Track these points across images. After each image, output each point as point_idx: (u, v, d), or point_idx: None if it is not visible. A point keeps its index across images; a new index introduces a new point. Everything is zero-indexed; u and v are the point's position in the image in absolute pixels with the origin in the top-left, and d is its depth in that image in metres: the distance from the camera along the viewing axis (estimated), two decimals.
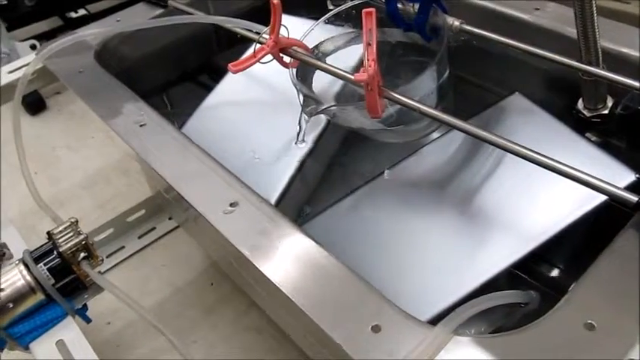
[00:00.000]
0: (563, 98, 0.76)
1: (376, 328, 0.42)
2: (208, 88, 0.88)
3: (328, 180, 0.82)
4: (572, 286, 0.44)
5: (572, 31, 0.69)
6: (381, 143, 0.81)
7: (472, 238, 0.63)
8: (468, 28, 0.70)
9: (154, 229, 1.08)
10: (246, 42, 0.83)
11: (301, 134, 0.67)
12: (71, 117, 1.42)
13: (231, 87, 0.85)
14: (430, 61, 0.70)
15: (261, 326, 0.90)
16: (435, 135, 0.75)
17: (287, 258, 0.48)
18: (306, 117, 0.65)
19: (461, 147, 0.71)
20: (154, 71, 0.91)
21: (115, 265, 1.03)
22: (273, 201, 0.70)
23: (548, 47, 0.66)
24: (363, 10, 0.59)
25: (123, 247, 1.05)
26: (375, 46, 0.58)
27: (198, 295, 0.97)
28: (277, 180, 0.71)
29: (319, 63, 0.63)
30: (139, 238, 1.07)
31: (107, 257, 1.03)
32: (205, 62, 1.00)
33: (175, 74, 0.97)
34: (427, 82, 0.65)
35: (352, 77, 0.59)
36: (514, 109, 0.74)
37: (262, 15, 0.70)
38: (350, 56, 0.79)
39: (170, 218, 1.08)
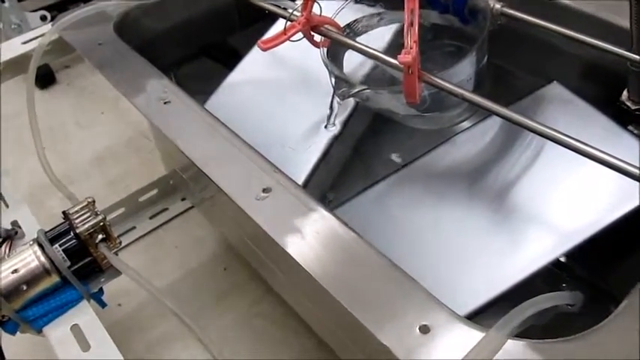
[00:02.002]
0: (603, 89, 0.72)
1: (424, 329, 0.39)
2: (229, 66, 0.85)
3: (352, 166, 0.79)
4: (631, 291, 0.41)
5: (617, 19, 0.67)
6: (409, 129, 0.78)
7: (508, 233, 0.60)
8: (510, 11, 0.66)
9: (166, 209, 1.05)
10: (267, 19, 0.80)
11: (332, 117, 0.64)
12: (81, 92, 1.39)
13: (254, 65, 0.82)
14: (469, 46, 0.67)
15: (276, 316, 0.88)
16: (467, 124, 0.72)
17: (325, 250, 0.45)
18: (339, 99, 0.62)
19: (496, 136, 0.68)
20: (175, 46, 0.88)
21: (126, 246, 1.00)
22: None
23: (589, 35, 0.64)
24: None
25: (134, 227, 1.03)
26: (417, 27, 0.55)
27: (211, 280, 0.95)
28: (303, 164, 0.68)
29: (356, 43, 0.60)
30: (151, 218, 1.04)
31: (118, 237, 1.00)
32: (226, 38, 0.96)
33: (196, 49, 0.93)
34: (467, 67, 0.62)
35: (392, 60, 0.56)
36: (552, 99, 0.71)
37: None
38: (379, 37, 0.76)
39: (183, 199, 1.05)
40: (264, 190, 0.49)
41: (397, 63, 0.56)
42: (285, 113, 0.74)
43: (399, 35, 0.76)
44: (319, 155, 0.68)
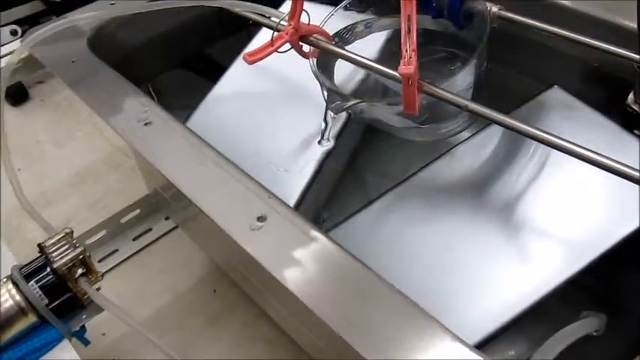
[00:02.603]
0: (605, 93, 0.70)
1: None
2: (211, 78, 0.80)
3: (345, 181, 0.75)
4: None
5: (621, 20, 0.64)
6: (404, 141, 0.74)
7: (518, 250, 0.57)
8: (507, 14, 0.63)
9: (149, 230, 1.00)
10: (249, 27, 0.76)
11: (327, 132, 0.60)
12: (56, 108, 1.33)
13: (237, 78, 0.77)
14: (464, 52, 0.64)
15: (271, 337, 0.83)
16: (465, 134, 0.68)
17: (327, 284, 0.41)
18: (332, 114, 0.58)
19: (498, 146, 0.65)
20: (154, 60, 0.83)
21: (109, 271, 0.95)
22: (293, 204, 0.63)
23: (591, 37, 0.61)
24: None
25: (116, 250, 0.98)
26: (415, 35, 0.51)
27: (201, 303, 0.90)
28: (295, 183, 0.64)
29: (349, 53, 0.56)
30: (134, 240, 0.99)
31: (99, 262, 0.95)
32: (207, 49, 0.92)
33: (176, 62, 0.89)
34: (467, 75, 0.58)
35: (389, 71, 0.52)
36: (554, 104, 0.68)
37: None
38: (371, 45, 0.72)
39: (167, 218, 1.00)
40: (259, 219, 0.45)
41: (395, 73, 0.53)
42: (274, 129, 0.69)
43: (391, 42, 0.73)
44: (312, 173, 0.64)
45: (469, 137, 0.66)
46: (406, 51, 0.51)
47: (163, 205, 0.92)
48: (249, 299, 0.86)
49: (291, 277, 0.41)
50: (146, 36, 0.80)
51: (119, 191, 1.07)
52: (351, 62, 0.57)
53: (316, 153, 0.64)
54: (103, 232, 0.97)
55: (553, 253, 0.56)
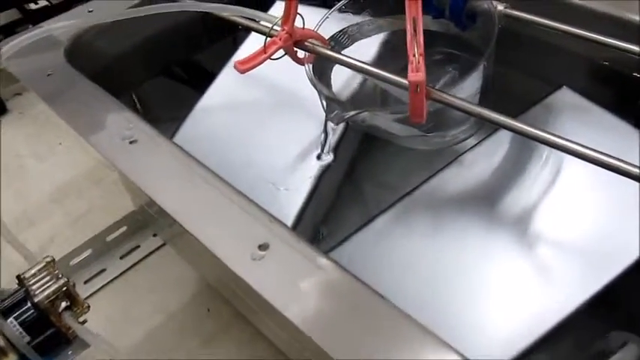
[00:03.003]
0: (617, 92, 0.66)
1: None
2: (199, 87, 0.76)
3: (344, 194, 0.71)
4: None
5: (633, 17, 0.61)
6: (403, 149, 0.70)
7: (536, 266, 0.53)
8: (514, 12, 0.59)
9: (137, 247, 0.95)
10: (237, 33, 0.71)
11: (327, 145, 0.56)
12: (35, 121, 1.28)
13: (227, 86, 0.73)
14: (467, 54, 0.60)
15: (268, 357, 0.79)
16: (472, 141, 0.64)
17: (336, 315, 0.37)
18: (333, 125, 0.54)
19: (508, 153, 0.61)
20: (136, 69, 0.79)
21: (96, 292, 0.90)
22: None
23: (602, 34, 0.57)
24: None
25: (103, 269, 0.93)
26: (422, 38, 0.47)
27: (194, 323, 0.85)
28: (292, 202, 0.60)
29: (348, 59, 0.52)
30: (121, 258, 0.94)
31: (85, 283, 0.91)
32: (192, 56, 0.87)
33: (160, 71, 0.84)
34: (476, 80, 0.54)
35: (396, 78, 0.48)
36: (564, 106, 0.64)
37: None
38: (367, 48, 0.68)
39: (155, 235, 0.95)
40: (260, 247, 0.40)
41: (401, 80, 0.49)
42: (268, 141, 0.65)
43: (389, 44, 0.69)
44: (311, 188, 0.60)
45: (477, 144, 0.62)
46: (414, 56, 0.46)
47: (151, 221, 0.87)
48: (243, 318, 0.82)
49: (299, 313, 0.37)
50: (127, 44, 0.76)
51: (104, 207, 1.02)
52: (352, 69, 0.52)
53: (314, 167, 0.60)
54: (88, 252, 0.92)
55: (574, 268, 0.52)
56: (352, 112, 0.53)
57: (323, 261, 0.39)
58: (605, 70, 0.66)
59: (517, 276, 0.53)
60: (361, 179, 0.72)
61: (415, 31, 0.48)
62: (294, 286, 0.38)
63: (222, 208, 0.43)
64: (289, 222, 0.58)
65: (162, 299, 0.89)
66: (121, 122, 0.53)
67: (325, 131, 0.56)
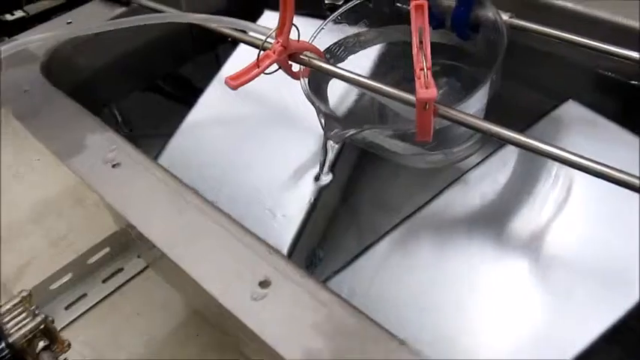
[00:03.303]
0: (625, 105, 0.63)
1: None
2: (185, 102, 0.72)
3: (340, 214, 0.67)
4: None
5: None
6: (401, 166, 0.67)
7: (552, 292, 0.49)
8: (522, 23, 0.56)
9: (121, 270, 0.91)
10: (225, 45, 0.68)
11: (327, 165, 0.52)
12: (14, 137, 1.22)
13: (214, 102, 0.69)
14: (469, 66, 0.57)
15: None
16: (475, 158, 0.61)
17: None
18: (333, 143, 0.50)
19: (515, 171, 0.58)
20: (118, 84, 0.74)
21: (77, 318, 0.85)
22: (284, 252, 0.55)
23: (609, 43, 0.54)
24: (413, 3, 0.45)
25: (85, 294, 0.88)
26: (429, 50, 0.44)
27: (182, 349, 0.81)
28: (287, 226, 0.56)
29: (351, 75, 0.48)
30: (104, 282, 0.89)
31: (66, 309, 0.86)
32: (179, 69, 0.83)
33: (144, 85, 0.80)
34: (484, 94, 0.51)
35: (403, 94, 0.45)
36: (571, 120, 0.61)
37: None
38: (364, 60, 0.64)
39: (139, 256, 0.91)
40: (261, 284, 0.36)
41: (405, 96, 0.45)
42: (261, 161, 0.61)
43: (387, 56, 0.65)
44: (307, 210, 0.56)
45: (481, 162, 0.59)
46: (421, 69, 0.43)
47: (134, 243, 0.83)
48: (233, 342, 0.78)
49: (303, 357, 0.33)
50: (109, 57, 0.71)
51: (85, 228, 0.97)
52: (352, 84, 0.49)
53: (312, 188, 0.56)
54: (68, 275, 0.88)
55: (593, 294, 0.48)
56: (353, 130, 0.49)
57: (330, 298, 0.35)
58: (612, 82, 0.63)
59: (531, 305, 0.49)
60: (358, 199, 0.68)
61: (421, 42, 0.44)
62: (301, 329, 0.34)
63: (217, 239, 0.39)
64: (285, 248, 0.54)
65: (149, 324, 0.84)
66: (103, 143, 0.49)
67: (325, 150, 0.52)
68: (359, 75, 0.48)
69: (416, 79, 0.43)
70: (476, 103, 0.50)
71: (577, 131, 0.60)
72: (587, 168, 0.41)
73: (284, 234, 0.55)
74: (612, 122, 0.60)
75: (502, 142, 0.59)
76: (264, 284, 0.36)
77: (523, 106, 0.67)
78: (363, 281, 0.53)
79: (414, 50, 0.44)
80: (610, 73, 0.63)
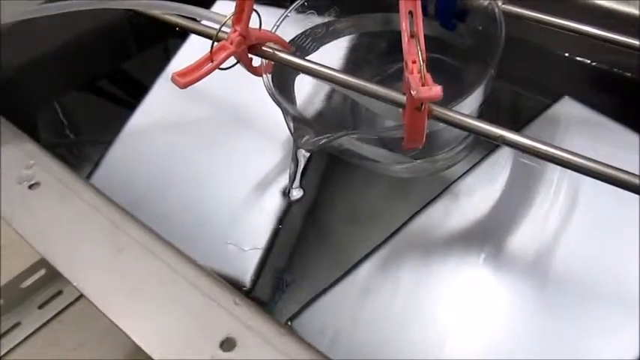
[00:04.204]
0: (624, 101, 0.57)
1: None
2: (127, 105, 0.63)
3: (309, 232, 0.59)
4: None
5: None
6: (375, 174, 0.59)
7: (564, 322, 0.42)
8: (516, 9, 0.49)
9: (59, 293, 0.80)
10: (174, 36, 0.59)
11: (297, 177, 0.44)
12: None
13: (160, 105, 0.60)
14: (454, 59, 0.50)
15: None
16: (463, 166, 0.53)
17: None
18: (304, 152, 0.42)
19: (512, 179, 0.50)
20: (47, 85, 0.64)
21: (10, 351, 0.75)
22: (248, 282, 0.46)
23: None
24: None
25: (18, 323, 0.77)
26: (423, 39, 0.36)
27: None
28: (251, 249, 0.47)
29: (328, 70, 0.40)
30: (40, 308, 0.79)
31: None
32: (119, 66, 0.73)
33: (78, 86, 0.70)
34: (481, 92, 0.43)
35: (392, 93, 0.37)
36: (567, 118, 0.54)
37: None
38: (332, 54, 0.56)
39: None
40: (223, 345, 0.27)
41: (398, 96, 0.37)
42: (218, 173, 0.52)
43: (358, 48, 0.57)
44: (273, 231, 0.48)
45: (470, 169, 0.52)
46: (413, 62, 0.35)
47: None
48: None
49: None
50: (34, 54, 0.61)
51: (15, 246, 0.86)
52: (328, 81, 0.40)
53: (279, 205, 0.48)
54: None
55: (612, 321, 0.41)
56: (328, 136, 0.41)
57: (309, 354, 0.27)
58: (610, 76, 0.57)
59: (539, 336, 0.42)
60: (328, 213, 0.60)
61: (411, 32, 0.36)
62: None
63: (166, 285, 0.30)
64: (248, 278, 0.46)
65: (92, 356, 0.75)
66: (19, 158, 0.39)
67: (295, 160, 0.44)
68: (336, 70, 0.40)
69: (407, 74, 0.35)
70: (472, 102, 0.42)
71: (575, 130, 0.53)
72: (592, 171, 0.34)
73: (246, 262, 0.46)
74: (611, 119, 0.54)
75: (492, 147, 0.52)
76: (227, 344, 0.27)
77: (512, 105, 0.60)
78: (340, 312, 0.45)
79: (405, 39, 0.36)
80: (608, 67, 0.57)
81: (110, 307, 0.30)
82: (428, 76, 0.34)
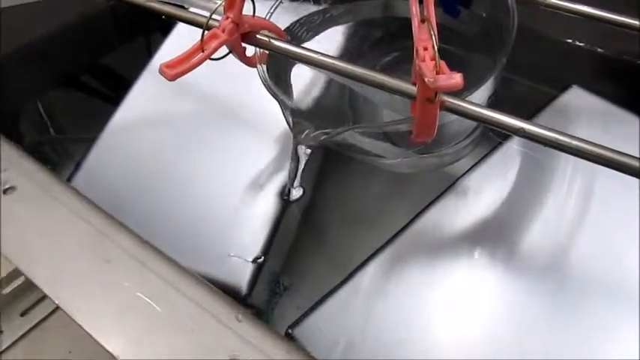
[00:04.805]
0: (625, 89, 0.55)
1: None
2: (110, 100, 0.59)
3: (305, 233, 0.56)
4: None
5: None
6: (375, 169, 0.56)
7: (582, 328, 0.40)
8: None
9: (43, 298, 0.76)
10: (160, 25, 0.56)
11: (298, 177, 0.41)
12: None
13: (146, 100, 0.56)
14: (464, 51, 0.47)
15: None
16: (467, 161, 0.51)
17: None
18: (305, 148, 0.39)
19: (521, 175, 0.48)
20: (23, 81, 0.60)
21: None
22: (244, 288, 0.43)
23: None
24: None
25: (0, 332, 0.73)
26: (435, 25, 0.33)
27: None
28: (247, 253, 0.44)
29: (332, 60, 0.37)
30: (23, 315, 0.75)
31: None
32: (101, 60, 0.70)
33: (57, 81, 0.66)
34: (491, 83, 0.40)
35: (403, 84, 0.34)
36: (577, 108, 0.52)
37: None
38: (327, 43, 0.53)
39: None
40: None
41: (403, 85, 0.34)
42: (210, 173, 0.49)
43: (354, 37, 0.54)
44: (269, 234, 0.45)
45: (476, 164, 0.49)
46: (425, 49, 0.32)
47: None
48: None
49: None
50: (12, 47, 0.57)
51: None
52: (330, 72, 0.37)
53: (277, 206, 0.45)
54: None
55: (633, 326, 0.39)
56: (330, 131, 0.38)
57: None
58: (620, 64, 0.55)
59: (556, 344, 0.39)
60: (325, 213, 0.57)
61: (422, 17, 0.34)
62: None
63: (158, 299, 0.27)
64: (244, 285, 0.43)
65: None
66: None
67: (296, 157, 0.41)
68: (337, 59, 0.37)
69: (419, 62, 0.32)
70: (483, 93, 0.40)
71: (584, 121, 0.51)
72: (605, 158, 0.32)
73: (242, 267, 0.43)
74: (621, 108, 0.52)
75: (497, 141, 0.49)
76: None
77: (518, 96, 0.58)
78: (341, 321, 0.42)
79: (415, 24, 0.33)
80: (617, 55, 0.54)
81: (97, 326, 0.26)
82: (443, 64, 0.31)
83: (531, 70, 0.58)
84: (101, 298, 0.27)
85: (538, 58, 0.57)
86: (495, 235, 0.45)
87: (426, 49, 0.32)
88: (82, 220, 0.31)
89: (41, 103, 0.65)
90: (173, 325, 0.26)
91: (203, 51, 0.38)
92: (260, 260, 0.43)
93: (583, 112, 0.51)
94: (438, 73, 0.30)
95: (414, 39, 0.33)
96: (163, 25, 0.60)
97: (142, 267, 0.28)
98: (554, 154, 0.46)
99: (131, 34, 0.68)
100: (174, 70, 0.37)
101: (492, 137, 0.49)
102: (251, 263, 0.43)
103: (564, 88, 0.53)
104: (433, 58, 0.31)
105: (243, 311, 0.27)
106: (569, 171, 0.46)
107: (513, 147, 0.49)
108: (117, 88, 0.62)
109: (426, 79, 0.30)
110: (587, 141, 0.32)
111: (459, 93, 0.35)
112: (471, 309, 0.42)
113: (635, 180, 0.32)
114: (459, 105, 0.34)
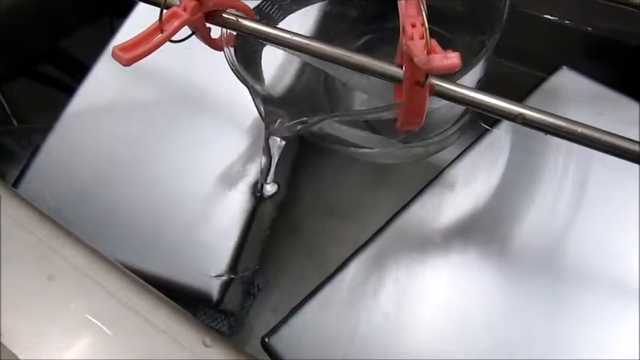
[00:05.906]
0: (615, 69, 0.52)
1: None
2: (66, 89, 0.54)
3: (281, 228, 0.52)
4: None
5: None
6: (353, 161, 0.52)
7: (581, 324, 0.37)
8: None
9: None
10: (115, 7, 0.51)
11: (272, 171, 0.37)
12: None
13: (104, 87, 0.51)
14: (454, 32, 0.44)
15: None
16: (453, 149, 0.47)
17: None
18: (278, 139, 0.35)
19: (512, 163, 0.44)
20: None
21: None
22: (215, 294, 0.39)
23: None
24: None
25: None
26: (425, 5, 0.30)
27: None
28: (216, 256, 0.40)
29: (307, 41, 0.33)
30: None
31: None
32: (59, 44, 0.65)
33: (10, 69, 0.61)
34: (481, 66, 0.37)
35: (389, 67, 0.30)
36: (566, 91, 0.48)
37: None
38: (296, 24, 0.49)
39: None
40: None
41: (388, 67, 0.31)
42: (173, 166, 0.45)
43: (325, 19, 0.50)
44: (241, 232, 0.41)
45: (462, 153, 0.45)
46: (413, 26, 0.28)
47: None
48: None
49: None
50: None
51: None
52: (306, 54, 0.33)
53: (248, 203, 0.41)
54: None
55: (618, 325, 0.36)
56: (305, 120, 0.34)
57: None
58: (608, 43, 0.52)
59: (553, 340, 0.36)
60: (299, 206, 0.53)
61: None
62: None
63: (111, 322, 0.23)
64: (215, 286, 0.39)
65: None
66: None
67: (268, 150, 0.37)
68: (313, 39, 0.33)
69: (406, 41, 0.28)
70: (473, 76, 0.36)
71: (575, 103, 0.48)
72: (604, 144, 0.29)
73: (212, 268, 0.39)
74: (612, 90, 0.49)
75: (484, 129, 0.46)
76: None
77: (505, 79, 0.54)
78: (324, 322, 0.38)
79: (401, 3, 0.29)
80: (606, 34, 0.51)
81: (40, 356, 0.22)
82: (434, 43, 0.27)
83: (519, 52, 0.55)
84: (43, 323, 0.23)
85: (525, 38, 0.54)
86: (486, 229, 0.42)
87: (414, 25, 0.28)
88: (21, 227, 0.27)
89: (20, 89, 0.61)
90: (128, 352, 0.22)
91: (162, 32, 0.34)
92: (231, 264, 0.39)
93: (572, 94, 0.48)
94: (429, 53, 0.27)
95: (401, 15, 0.29)
96: (127, 4, 0.56)
97: (91, 283, 0.24)
98: (545, 140, 0.43)
99: (93, 16, 0.63)
100: (130, 54, 0.33)
101: (479, 124, 0.46)
102: (221, 263, 0.39)
103: (553, 69, 0.50)
104: (423, 37, 0.28)
105: (211, 335, 0.23)
106: (562, 158, 0.44)
107: (502, 134, 0.45)
108: (74, 74, 0.57)
109: (415, 60, 0.26)
110: (594, 128, 0.29)
111: (447, 76, 0.31)
112: (463, 309, 0.39)
113: (631, 167, 0.29)
114: (451, 89, 0.30)
